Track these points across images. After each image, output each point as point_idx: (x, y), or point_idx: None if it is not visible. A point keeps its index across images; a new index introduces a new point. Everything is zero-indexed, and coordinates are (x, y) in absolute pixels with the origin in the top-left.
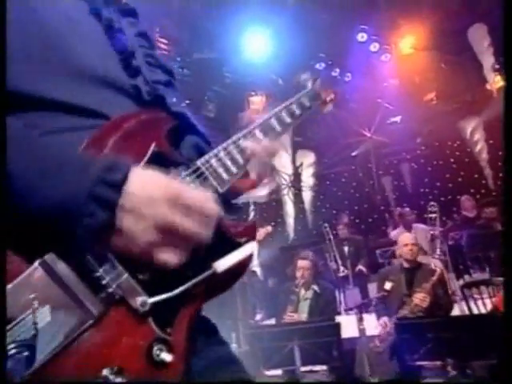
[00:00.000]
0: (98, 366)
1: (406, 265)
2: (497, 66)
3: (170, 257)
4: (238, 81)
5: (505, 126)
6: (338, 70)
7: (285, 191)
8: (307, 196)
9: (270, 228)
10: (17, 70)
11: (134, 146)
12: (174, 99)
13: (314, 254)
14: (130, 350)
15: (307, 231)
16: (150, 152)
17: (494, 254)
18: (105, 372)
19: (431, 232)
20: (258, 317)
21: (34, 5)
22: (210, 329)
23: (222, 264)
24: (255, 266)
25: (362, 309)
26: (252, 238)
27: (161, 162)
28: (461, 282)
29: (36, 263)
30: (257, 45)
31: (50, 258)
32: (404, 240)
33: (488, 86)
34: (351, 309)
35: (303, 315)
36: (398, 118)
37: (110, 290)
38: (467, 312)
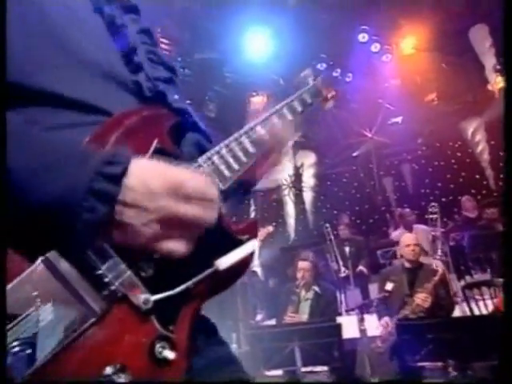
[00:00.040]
0: (100, 364)
1: (407, 265)
2: (498, 67)
3: (176, 246)
4: (238, 81)
5: (505, 126)
6: (339, 71)
7: (285, 191)
8: (308, 196)
9: (270, 228)
10: (18, 62)
11: (136, 143)
12: (176, 96)
13: (314, 255)
14: (132, 348)
15: (308, 232)
16: (152, 149)
17: (495, 254)
18: (107, 370)
19: (432, 233)
20: (259, 317)
21: None
22: (209, 328)
23: (224, 262)
24: (256, 266)
25: (362, 309)
26: (253, 235)
27: (163, 159)
28: (462, 282)
29: (38, 260)
30: (258, 45)
31: (52, 255)
32: (406, 240)
33: (489, 87)
34: (352, 309)
35: (304, 316)
36: (399, 119)
37: (113, 287)
38: (468, 313)
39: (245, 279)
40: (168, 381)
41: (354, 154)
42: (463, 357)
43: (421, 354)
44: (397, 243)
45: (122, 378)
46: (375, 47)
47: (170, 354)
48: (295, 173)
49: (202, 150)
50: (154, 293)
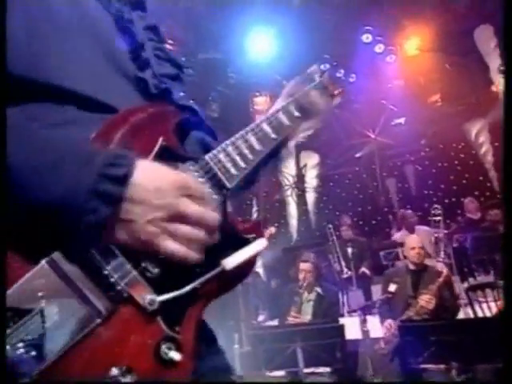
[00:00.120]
0: (106, 365)
1: (411, 267)
2: (503, 68)
3: (177, 248)
4: (242, 81)
5: (505, 126)
6: (342, 71)
7: (288, 192)
8: (311, 197)
9: (273, 229)
10: (23, 55)
11: (142, 140)
12: (182, 93)
13: (315, 256)
14: (138, 349)
15: (310, 232)
16: (157, 146)
17: (498, 256)
18: (113, 371)
19: (435, 234)
20: (261, 318)
21: None
22: (209, 337)
23: (231, 261)
24: (258, 266)
25: (365, 311)
26: (260, 235)
27: (168, 156)
28: (465, 284)
29: (43, 261)
30: (261, 45)
31: (57, 256)
32: (411, 243)
33: (493, 88)
34: (354, 311)
35: (307, 317)
36: (402, 120)
37: (119, 287)
38: (472, 315)
39: (247, 279)
40: (174, 382)
41: (357, 155)
42: (466, 359)
43: (424, 356)
44: (400, 244)
45: (128, 379)
46: (379, 48)
47: (176, 355)
48: (298, 173)
49: (206, 148)
50: (159, 293)
